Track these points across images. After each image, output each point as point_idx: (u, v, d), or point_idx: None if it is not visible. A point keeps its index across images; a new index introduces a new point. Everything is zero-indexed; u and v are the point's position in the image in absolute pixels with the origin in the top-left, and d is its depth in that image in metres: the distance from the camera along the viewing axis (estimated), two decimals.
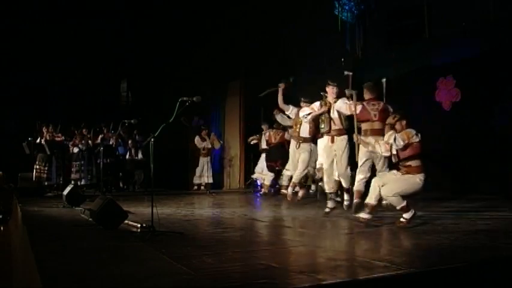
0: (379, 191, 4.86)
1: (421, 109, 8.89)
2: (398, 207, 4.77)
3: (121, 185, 11.79)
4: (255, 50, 10.97)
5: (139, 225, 4.54)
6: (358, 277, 2.81)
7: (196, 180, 11.04)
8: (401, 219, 4.80)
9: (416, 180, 4.76)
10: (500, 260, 3.36)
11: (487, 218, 5.28)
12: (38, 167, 9.87)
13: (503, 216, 5.46)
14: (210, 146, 10.95)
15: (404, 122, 4.92)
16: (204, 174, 10.81)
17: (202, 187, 10.91)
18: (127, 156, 11.45)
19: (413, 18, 9.40)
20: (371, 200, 4.93)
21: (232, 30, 11.03)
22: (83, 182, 10.47)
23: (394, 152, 4.88)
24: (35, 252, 3.47)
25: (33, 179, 9.87)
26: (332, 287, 2.59)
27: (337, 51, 10.50)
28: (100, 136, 10.75)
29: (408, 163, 4.81)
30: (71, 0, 11.74)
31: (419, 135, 4.84)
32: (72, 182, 9.96)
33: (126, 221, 4.79)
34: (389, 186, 4.80)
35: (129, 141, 11.51)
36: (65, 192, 7.12)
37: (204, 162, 10.83)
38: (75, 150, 10.57)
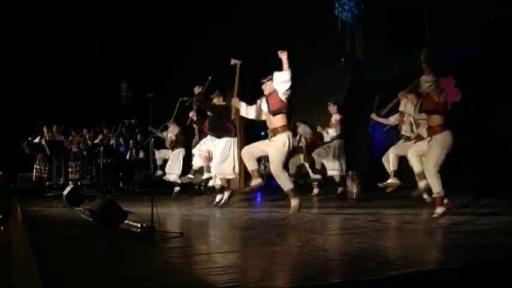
0: None
1: None
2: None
3: (121, 185, 11.78)
4: (255, 49, 10.95)
5: (139, 225, 4.54)
6: (358, 277, 2.80)
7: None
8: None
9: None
10: (500, 260, 3.35)
11: (487, 218, 5.28)
12: (38, 167, 9.86)
13: (503, 216, 5.46)
14: None
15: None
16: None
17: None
18: (127, 156, 11.44)
19: (413, 18, 9.40)
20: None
21: (232, 30, 11.02)
22: (82, 182, 10.45)
23: None
24: (35, 252, 3.47)
25: (33, 179, 9.86)
26: (332, 287, 2.59)
27: (337, 51, 10.49)
28: (100, 136, 10.73)
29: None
30: (71, 0, 11.74)
31: None
32: (70, 182, 9.93)
33: (126, 221, 4.79)
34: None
35: (130, 141, 11.49)
36: (65, 192, 7.13)
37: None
38: (75, 150, 10.56)
